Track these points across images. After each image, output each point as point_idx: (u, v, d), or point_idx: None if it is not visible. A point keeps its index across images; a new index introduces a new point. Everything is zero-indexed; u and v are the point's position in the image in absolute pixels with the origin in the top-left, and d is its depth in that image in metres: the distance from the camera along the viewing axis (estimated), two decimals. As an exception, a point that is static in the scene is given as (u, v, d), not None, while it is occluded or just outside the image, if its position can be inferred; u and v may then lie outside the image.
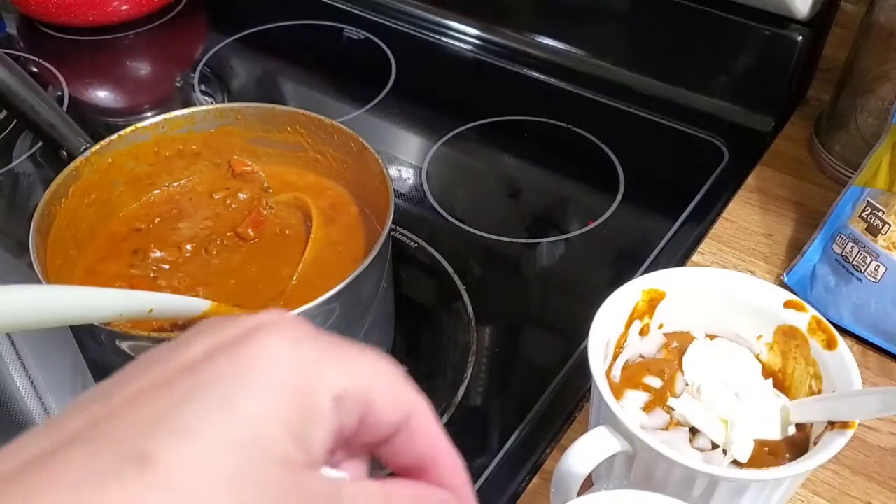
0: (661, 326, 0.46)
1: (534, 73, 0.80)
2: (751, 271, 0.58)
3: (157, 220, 0.54)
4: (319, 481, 0.19)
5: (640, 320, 0.45)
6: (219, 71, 0.81)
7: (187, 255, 0.51)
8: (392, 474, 0.23)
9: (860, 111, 0.63)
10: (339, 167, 0.55)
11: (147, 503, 0.16)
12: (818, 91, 0.73)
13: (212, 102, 0.77)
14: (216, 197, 0.55)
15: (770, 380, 0.44)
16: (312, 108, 0.55)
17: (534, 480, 0.46)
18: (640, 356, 0.45)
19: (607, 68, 0.78)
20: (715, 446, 0.41)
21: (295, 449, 0.19)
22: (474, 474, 0.47)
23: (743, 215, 0.63)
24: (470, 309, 0.57)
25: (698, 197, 0.66)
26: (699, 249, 0.60)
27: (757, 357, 0.45)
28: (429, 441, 0.22)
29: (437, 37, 0.84)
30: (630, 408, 0.42)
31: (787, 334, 0.44)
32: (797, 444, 0.41)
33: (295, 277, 0.49)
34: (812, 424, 0.42)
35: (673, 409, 0.42)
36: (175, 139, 0.55)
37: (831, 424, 0.39)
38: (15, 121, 0.72)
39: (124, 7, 0.83)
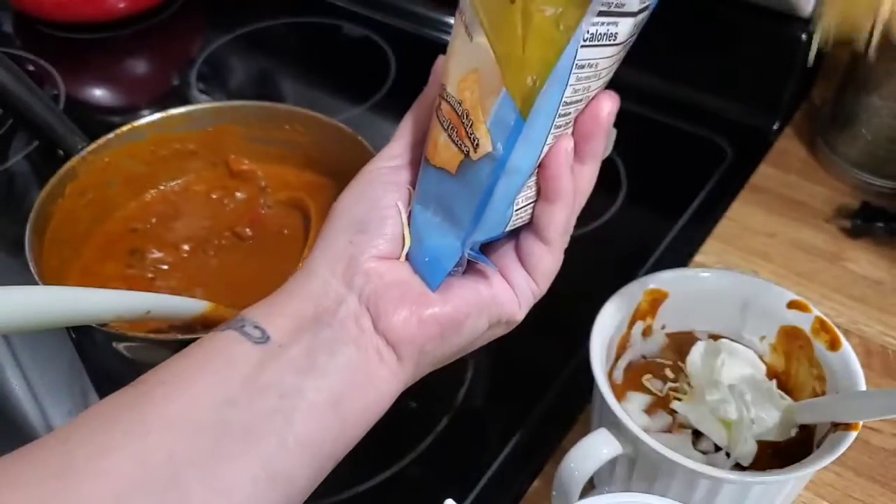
0: (663, 327, 0.46)
1: (534, 72, 0.79)
2: (754, 271, 0.57)
3: (153, 220, 0.53)
4: None
5: (643, 321, 0.45)
6: (217, 69, 0.80)
7: (185, 255, 0.51)
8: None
9: (864, 109, 0.62)
10: (337, 166, 0.54)
11: None
12: (822, 89, 0.72)
13: (209, 101, 0.76)
14: (214, 196, 0.55)
15: (774, 381, 0.43)
16: (311, 106, 0.55)
17: (535, 484, 0.46)
18: (643, 357, 0.45)
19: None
20: (718, 448, 0.41)
21: None
22: (474, 477, 0.47)
23: (746, 215, 0.62)
24: (470, 309, 0.56)
25: (701, 196, 0.66)
26: (702, 249, 0.60)
27: (760, 358, 0.45)
28: None
29: (437, 34, 0.83)
30: (632, 410, 0.42)
31: (791, 335, 0.44)
32: (800, 445, 0.41)
33: (294, 277, 0.49)
34: (816, 426, 0.41)
35: (676, 412, 0.42)
36: (172, 138, 0.54)
37: (835, 426, 0.39)
38: (11, 119, 0.71)
39: (121, 4, 0.83)
